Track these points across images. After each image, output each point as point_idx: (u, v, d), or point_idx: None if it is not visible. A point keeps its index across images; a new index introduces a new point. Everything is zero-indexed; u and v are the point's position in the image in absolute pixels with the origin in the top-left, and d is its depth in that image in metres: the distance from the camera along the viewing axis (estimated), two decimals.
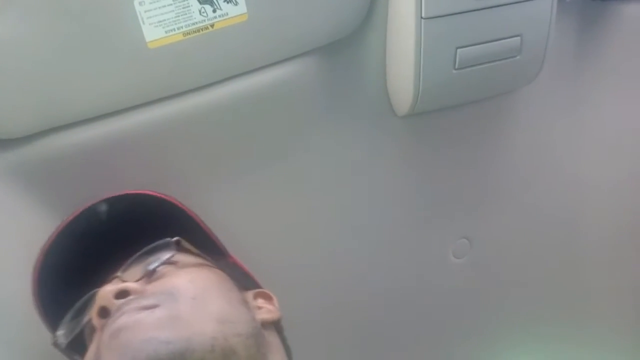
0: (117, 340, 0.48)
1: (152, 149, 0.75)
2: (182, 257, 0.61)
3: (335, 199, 0.96)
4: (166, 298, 0.52)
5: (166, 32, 0.69)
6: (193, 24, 0.70)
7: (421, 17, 0.79)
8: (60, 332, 0.59)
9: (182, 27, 0.70)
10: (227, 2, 0.71)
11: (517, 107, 1.01)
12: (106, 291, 0.54)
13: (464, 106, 0.96)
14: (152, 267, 0.57)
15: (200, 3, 0.70)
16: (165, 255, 0.59)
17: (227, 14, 0.71)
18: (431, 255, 1.11)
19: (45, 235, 0.64)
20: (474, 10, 0.82)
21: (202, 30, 0.71)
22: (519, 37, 0.87)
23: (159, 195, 0.68)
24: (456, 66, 0.84)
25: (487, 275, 1.17)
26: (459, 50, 0.83)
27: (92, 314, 0.54)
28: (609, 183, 1.15)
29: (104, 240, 0.62)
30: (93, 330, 0.55)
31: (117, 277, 0.59)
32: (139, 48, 0.68)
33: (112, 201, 0.65)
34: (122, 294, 0.54)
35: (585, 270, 1.23)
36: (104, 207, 0.65)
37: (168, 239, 0.60)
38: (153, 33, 0.68)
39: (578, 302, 1.28)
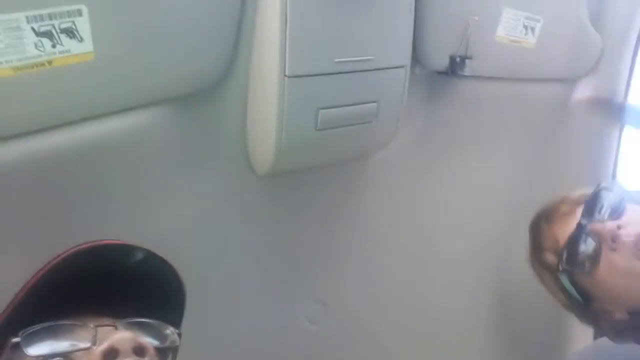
0: None
1: None
2: None
3: (187, 258, 0.87)
4: None
5: None
6: (26, 58, 0.60)
7: (285, 75, 0.77)
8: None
9: (11, 61, 0.59)
10: (70, 38, 0.62)
11: (373, 171, 1.03)
12: (127, 338, 0.53)
13: (321, 168, 0.95)
14: (164, 345, 0.59)
15: (37, 35, 0.60)
16: (170, 342, 0.60)
17: (70, 50, 0.63)
18: (285, 321, 1.06)
19: None
20: (335, 73, 0.82)
21: (38, 67, 0.61)
22: (375, 103, 0.89)
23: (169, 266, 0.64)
24: (318, 127, 0.83)
25: (341, 341, 1.14)
26: (321, 111, 0.82)
27: (97, 349, 0.53)
28: (456, 247, 1.21)
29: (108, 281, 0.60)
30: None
31: (114, 326, 0.57)
32: None
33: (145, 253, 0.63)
34: (141, 351, 0.54)
35: (434, 336, 1.26)
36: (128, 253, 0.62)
37: (176, 331, 0.62)
38: None
39: None
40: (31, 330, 0.55)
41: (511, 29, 1.05)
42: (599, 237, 0.83)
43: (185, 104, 0.77)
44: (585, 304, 0.89)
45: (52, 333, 0.56)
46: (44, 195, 0.67)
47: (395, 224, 1.12)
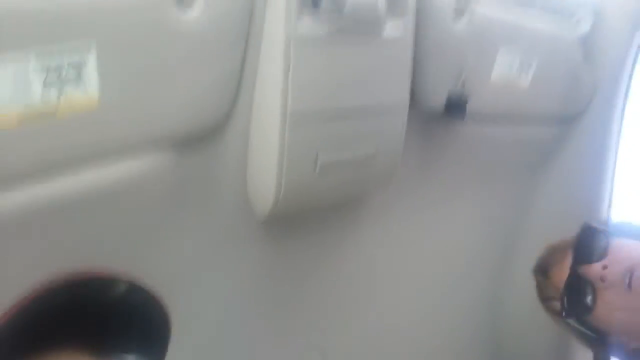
0: None
1: None
2: None
3: (185, 308, 0.87)
4: None
5: None
6: (32, 106, 0.60)
7: (286, 121, 0.78)
8: None
9: (18, 109, 0.60)
10: (76, 86, 0.63)
11: (372, 212, 1.03)
12: None
13: (319, 211, 0.95)
14: None
15: (44, 85, 0.61)
16: None
17: (75, 98, 0.63)
18: None
19: None
20: (335, 118, 0.83)
21: (43, 115, 0.61)
22: (374, 147, 0.90)
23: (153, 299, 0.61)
24: (317, 170, 0.84)
25: None
26: (320, 155, 0.83)
27: None
28: (456, 287, 1.21)
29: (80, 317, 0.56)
30: None
31: None
32: None
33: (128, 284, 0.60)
34: None
35: None
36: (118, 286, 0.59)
37: None
38: None
39: None
40: None
41: (507, 68, 1.07)
42: (589, 279, 0.88)
43: (186, 147, 0.77)
44: (599, 339, 0.91)
45: None
46: (45, 243, 0.67)
47: (395, 266, 1.11)
